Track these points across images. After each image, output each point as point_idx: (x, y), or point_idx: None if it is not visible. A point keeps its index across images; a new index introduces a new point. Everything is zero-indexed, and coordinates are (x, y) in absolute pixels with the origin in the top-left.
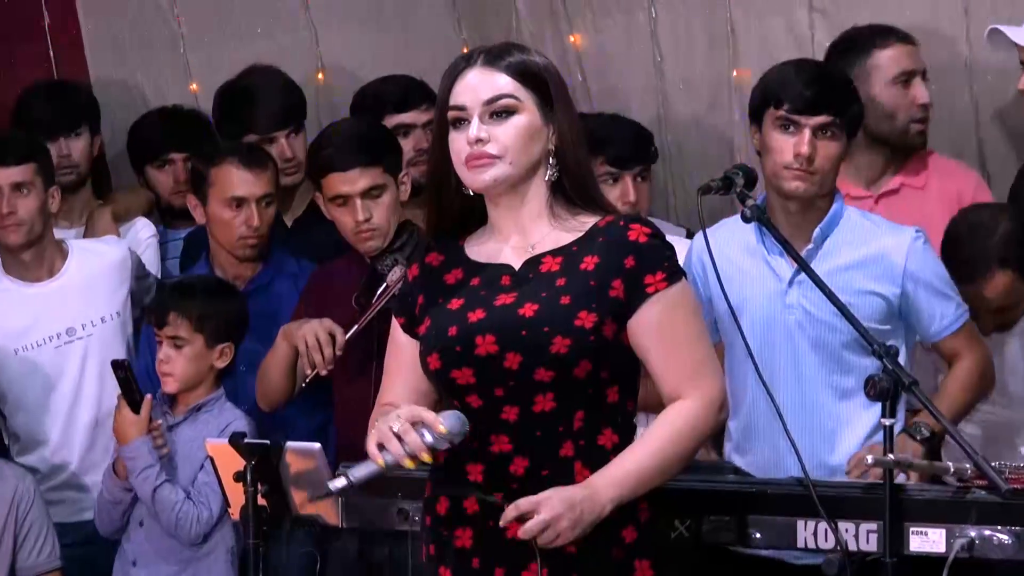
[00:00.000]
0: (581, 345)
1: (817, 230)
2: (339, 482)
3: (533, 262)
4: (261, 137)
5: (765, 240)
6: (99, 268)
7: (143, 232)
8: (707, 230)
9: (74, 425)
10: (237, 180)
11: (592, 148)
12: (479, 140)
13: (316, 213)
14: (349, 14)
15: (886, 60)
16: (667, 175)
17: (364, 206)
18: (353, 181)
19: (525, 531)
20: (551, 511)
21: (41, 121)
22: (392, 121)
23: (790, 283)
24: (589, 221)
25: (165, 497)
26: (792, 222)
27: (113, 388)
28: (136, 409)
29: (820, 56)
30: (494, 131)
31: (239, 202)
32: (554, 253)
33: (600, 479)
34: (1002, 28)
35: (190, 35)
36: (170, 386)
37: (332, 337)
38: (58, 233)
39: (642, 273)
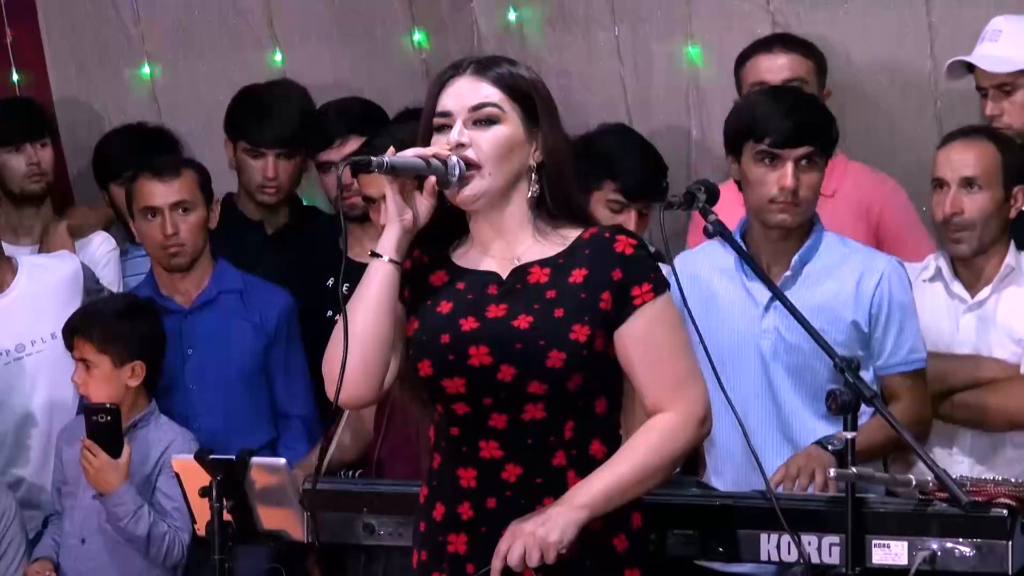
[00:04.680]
0: (575, 359)
1: (796, 257)
2: (378, 159)
3: (520, 272)
4: (250, 148)
5: (744, 266)
6: (49, 283)
7: (102, 247)
8: (688, 252)
9: (25, 443)
10: (149, 191)
11: (602, 168)
12: (460, 144)
13: (294, 228)
14: (313, 32)
15: (745, 71)
16: None
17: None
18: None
19: (511, 561)
20: (511, 529)
21: (8, 130)
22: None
23: (766, 308)
24: (572, 234)
25: (158, 532)
26: (772, 249)
27: (65, 405)
28: (116, 454)
29: None
30: (475, 138)
31: (153, 212)
32: (541, 264)
33: (575, 488)
34: (961, 57)
35: (153, 52)
36: None
37: None
38: (18, 250)
39: (629, 285)
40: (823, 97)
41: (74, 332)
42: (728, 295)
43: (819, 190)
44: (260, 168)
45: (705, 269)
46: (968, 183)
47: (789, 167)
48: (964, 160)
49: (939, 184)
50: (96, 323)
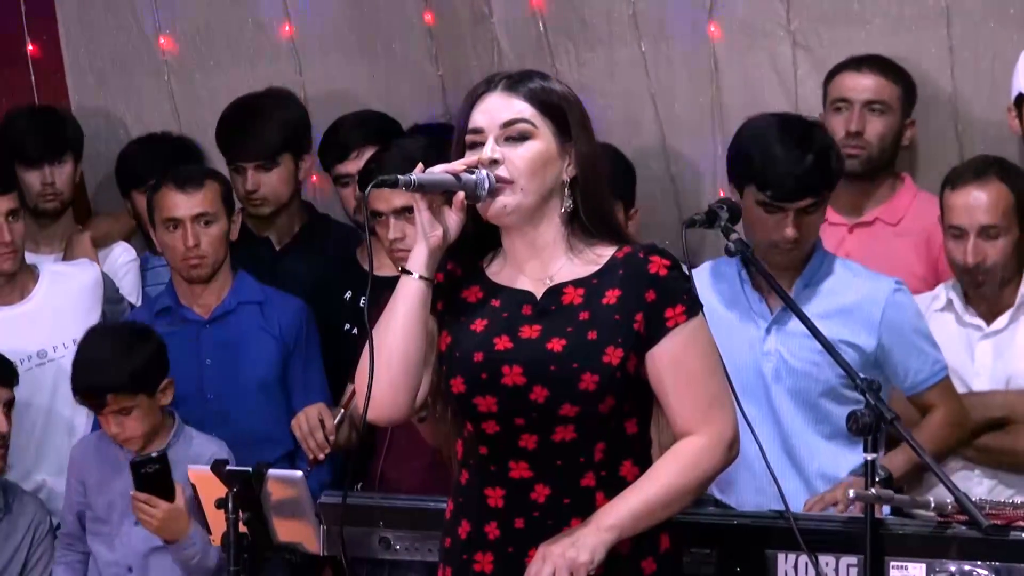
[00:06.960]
0: (608, 381)
1: (798, 280)
2: (405, 177)
3: (554, 292)
4: (231, 164)
5: (745, 288)
6: (71, 291)
7: (122, 257)
8: (695, 271)
9: (46, 448)
10: (171, 202)
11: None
12: (493, 162)
13: (304, 241)
14: (333, 45)
15: (831, 86)
16: (648, 207)
17: (397, 226)
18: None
19: None
20: (540, 551)
21: (27, 148)
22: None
23: (768, 330)
24: (607, 252)
25: (216, 563)
26: (773, 272)
27: (85, 410)
28: (170, 498)
29: (802, 90)
30: (508, 154)
31: (175, 223)
32: (575, 284)
33: (603, 510)
34: None
35: (173, 63)
36: (134, 446)
37: (322, 423)
38: (39, 259)
39: (662, 306)
40: (905, 127)
41: (102, 389)
42: (732, 318)
43: (820, 223)
44: (241, 182)
45: (709, 290)
46: (988, 231)
47: (790, 218)
48: (980, 207)
49: (957, 232)
50: (122, 366)
